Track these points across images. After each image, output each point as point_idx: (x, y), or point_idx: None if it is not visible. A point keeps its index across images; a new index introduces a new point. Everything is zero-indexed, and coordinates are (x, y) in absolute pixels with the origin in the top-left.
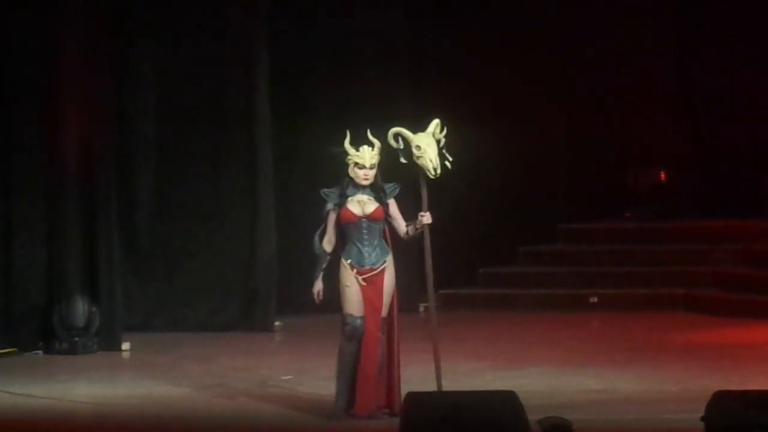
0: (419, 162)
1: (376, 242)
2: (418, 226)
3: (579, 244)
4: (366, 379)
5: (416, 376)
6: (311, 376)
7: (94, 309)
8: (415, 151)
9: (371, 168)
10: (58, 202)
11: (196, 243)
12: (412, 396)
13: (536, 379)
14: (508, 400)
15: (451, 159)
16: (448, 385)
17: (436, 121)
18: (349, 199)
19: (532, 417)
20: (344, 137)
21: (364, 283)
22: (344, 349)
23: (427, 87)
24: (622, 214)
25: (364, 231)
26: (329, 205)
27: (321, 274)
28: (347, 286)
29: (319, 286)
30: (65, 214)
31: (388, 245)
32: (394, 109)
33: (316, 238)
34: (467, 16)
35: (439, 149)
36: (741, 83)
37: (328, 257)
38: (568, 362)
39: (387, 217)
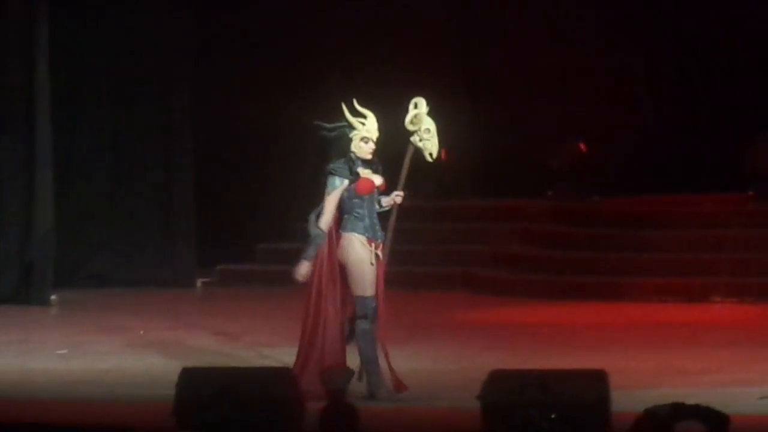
0: (422, 144)
1: (376, 214)
2: (384, 204)
3: None
4: (387, 357)
5: (195, 352)
6: (86, 350)
7: None
8: (423, 134)
9: (375, 141)
10: None
11: None
12: (187, 371)
13: None
14: (284, 376)
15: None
16: (225, 361)
17: (424, 101)
18: (360, 172)
19: None
20: (341, 111)
21: (380, 257)
22: (369, 331)
23: (208, 75)
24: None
25: (374, 203)
26: (338, 181)
27: (314, 255)
28: (371, 264)
29: (307, 268)
30: None
31: None
32: (174, 90)
33: (312, 217)
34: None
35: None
36: (517, 62)
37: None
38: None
39: None
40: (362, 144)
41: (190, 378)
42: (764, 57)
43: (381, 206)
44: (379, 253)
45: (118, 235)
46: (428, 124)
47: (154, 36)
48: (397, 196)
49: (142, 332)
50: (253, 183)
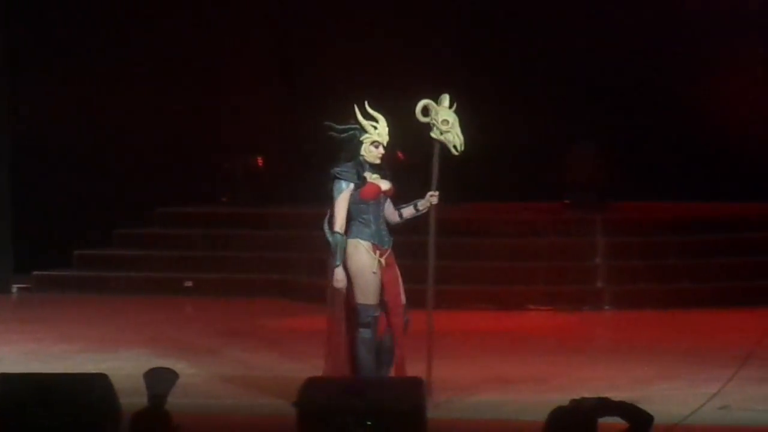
0: (444, 137)
1: (383, 220)
2: (421, 207)
3: (175, 228)
4: (402, 365)
5: (10, 357)
6: None
7: None
8: (441, 126)
9: (385, 146)
10: None
11: None
12: (3, 377)
13: (128, 362)
14: (98, 382)
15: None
16: (40, 368)
17: (447, 96)
18: (367, 176)
19: (125, 400)
20: (353, 114)
21: (384, 264)
22: (369, 341)
23: (27, 76)
24: (218, 199)
25: (381, 208)
26: (344, 184)
27: (343, 259)
28: (374, 273)
29: (342, 273)
30: None
31: None
32: None
33: (326, 226)
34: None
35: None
36: (337, 81)
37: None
38: (161, 345)
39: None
40: (372, 148)
41: (7, 383)
42: (577, 72)
43: (418, 210)
44: (383, 261)
45: None
46: (445, 115)
47: None
48: (431, 197)
49: None
50: (72, 189)
